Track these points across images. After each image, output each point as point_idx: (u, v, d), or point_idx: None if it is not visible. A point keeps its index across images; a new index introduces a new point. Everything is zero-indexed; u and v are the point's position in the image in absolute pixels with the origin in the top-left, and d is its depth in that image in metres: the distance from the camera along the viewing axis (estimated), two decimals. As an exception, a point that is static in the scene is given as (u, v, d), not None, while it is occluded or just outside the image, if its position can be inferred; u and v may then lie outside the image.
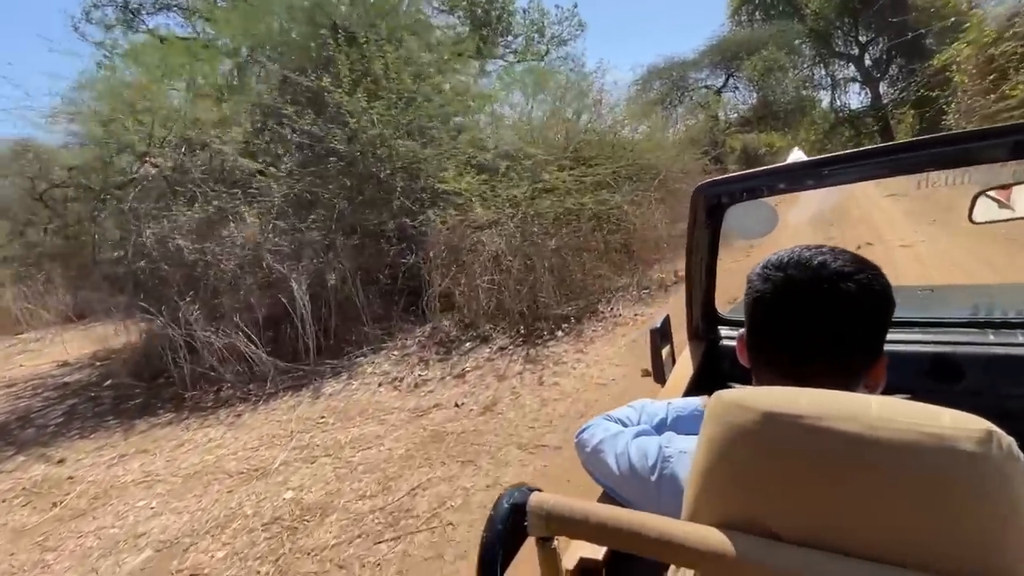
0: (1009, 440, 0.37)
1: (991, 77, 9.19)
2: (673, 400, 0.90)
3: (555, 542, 0.55)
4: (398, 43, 6.53)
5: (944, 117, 13.67)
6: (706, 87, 19.53)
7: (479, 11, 12.30)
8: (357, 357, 4.83)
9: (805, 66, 22.70)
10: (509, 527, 0.56)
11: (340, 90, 5.52)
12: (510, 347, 4.62)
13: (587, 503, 0.52)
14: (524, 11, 13.28)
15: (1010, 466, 0.36)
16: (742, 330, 0.68)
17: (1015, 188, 1.24)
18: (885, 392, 0.59)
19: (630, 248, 6.94)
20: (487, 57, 12.03)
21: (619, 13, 53.04)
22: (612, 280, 6.14)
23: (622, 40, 52.52)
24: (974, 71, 9.98)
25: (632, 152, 8.07)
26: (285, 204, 5.28)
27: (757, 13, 20.83)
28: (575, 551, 0.74)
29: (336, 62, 5.69)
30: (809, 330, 0.59)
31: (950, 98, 12.99)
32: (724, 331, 1.43)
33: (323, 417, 3.77)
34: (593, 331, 4.81)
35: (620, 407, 0.91)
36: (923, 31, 19.43)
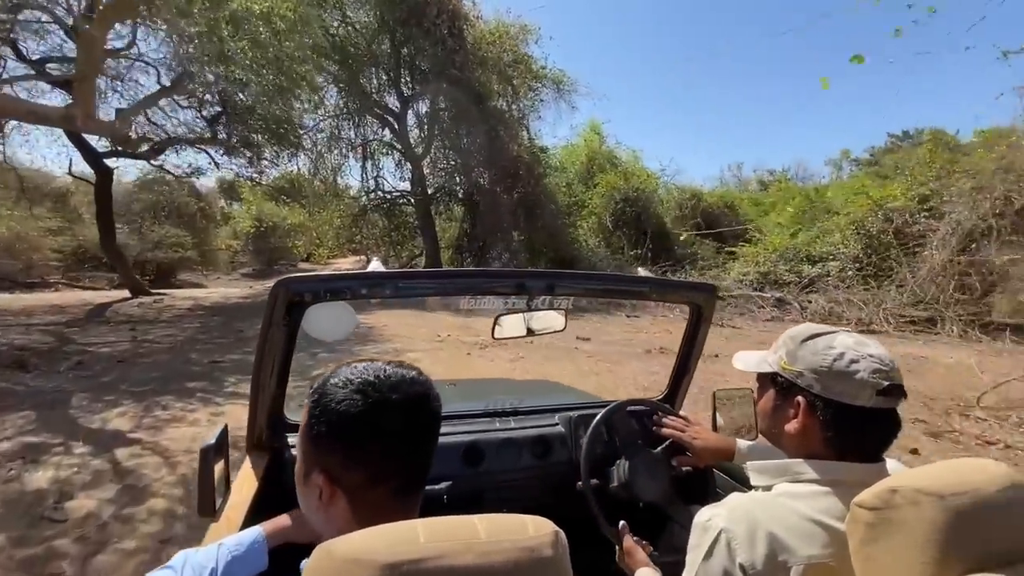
0: (562, 534, 0.49)
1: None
2: (225, 540, 0.79)
3: None
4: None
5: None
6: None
7: None
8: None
9: (328, 113, 13.71)
10: None
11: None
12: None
13: None
14: None
15: (565, 555, 0.48)
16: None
17: (521, 315, 1.50)
18: (431, 481, 0.77)
19: None
20: None
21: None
22: None
23: None
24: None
25: None
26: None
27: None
28: None
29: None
30: (425, 447, 0.65)
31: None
32: (293, 439, 1.29)
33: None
34: None
35: (155, 569, 0.71)
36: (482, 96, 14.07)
